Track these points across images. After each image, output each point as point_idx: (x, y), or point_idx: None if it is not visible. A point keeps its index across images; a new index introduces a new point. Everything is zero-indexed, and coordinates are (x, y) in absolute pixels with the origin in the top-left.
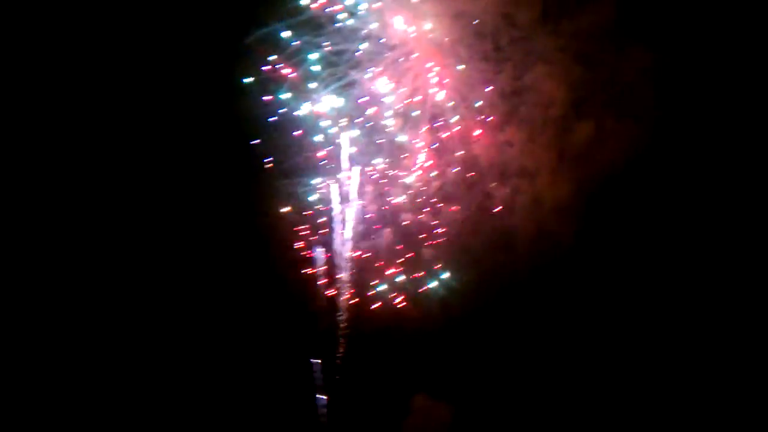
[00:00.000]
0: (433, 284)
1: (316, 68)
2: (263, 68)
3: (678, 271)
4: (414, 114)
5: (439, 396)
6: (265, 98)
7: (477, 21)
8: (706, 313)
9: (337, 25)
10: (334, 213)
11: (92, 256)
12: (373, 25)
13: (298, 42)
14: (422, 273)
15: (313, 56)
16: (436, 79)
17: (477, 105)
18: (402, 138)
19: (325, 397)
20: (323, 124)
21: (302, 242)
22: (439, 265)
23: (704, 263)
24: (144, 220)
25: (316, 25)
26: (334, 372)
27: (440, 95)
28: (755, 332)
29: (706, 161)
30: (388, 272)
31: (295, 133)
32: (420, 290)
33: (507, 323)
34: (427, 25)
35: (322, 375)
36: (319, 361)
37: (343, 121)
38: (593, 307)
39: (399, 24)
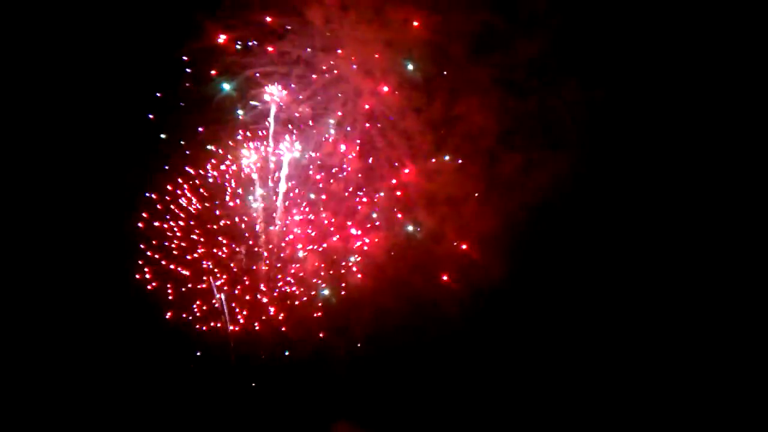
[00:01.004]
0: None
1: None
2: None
3: (612, 300)
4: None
5: (362, 424)
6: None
7: (408, 50)
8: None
9: (267, 48)
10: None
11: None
12: (304, 51)
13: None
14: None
15: (241, 79)
16: (365, 106)
17: (406, 133)
18: (329, 162)
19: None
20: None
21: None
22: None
23: (637, 294)
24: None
25: (243, 48)
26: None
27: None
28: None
29: (635, 191)
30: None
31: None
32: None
33: (432, 352)
34: (357, 52)
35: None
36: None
37: (269, 146)
38: (522, 337)
39: (329, 49)
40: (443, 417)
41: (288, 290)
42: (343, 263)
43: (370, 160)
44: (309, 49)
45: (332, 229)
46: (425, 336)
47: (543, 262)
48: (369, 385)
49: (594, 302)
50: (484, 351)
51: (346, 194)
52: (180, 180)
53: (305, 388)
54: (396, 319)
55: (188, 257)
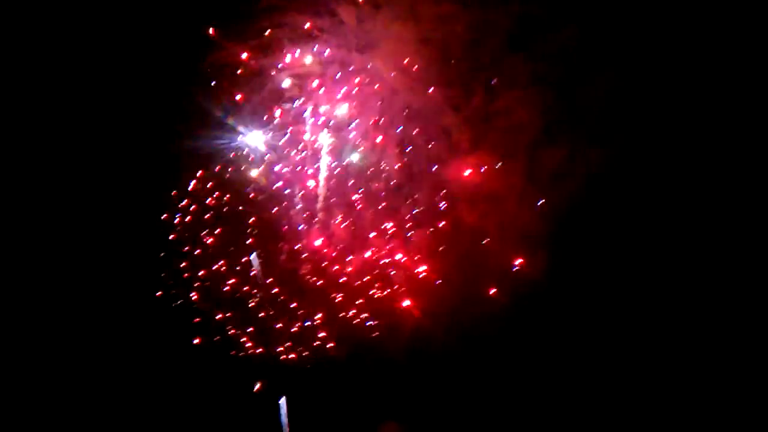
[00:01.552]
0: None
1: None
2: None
3: (659, 302)
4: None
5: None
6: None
7: (443, 47)
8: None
9: (298, 51)
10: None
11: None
12: (338, 51)
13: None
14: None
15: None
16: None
17: (444, 131)
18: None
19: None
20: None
21: None
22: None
23: (688, 295)
24: None
25: (275, 51)
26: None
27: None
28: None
29: (682, 185)
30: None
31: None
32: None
33: (478, 355)
34: (393, 51)
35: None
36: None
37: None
38: (565, 341)
39: (364, 49)
40: (489, 419)
41: (331, 293)
42: (387, 263)
43: (409, 160)
44: (343, 49)
45: (374, 230)
46: (471, 337)
47: (590, 261)
48: (416, 386)
49: (646, 302)
50: (531, 353)
51: (387, 194)
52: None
53: (349, 389)
54: (441, 320)
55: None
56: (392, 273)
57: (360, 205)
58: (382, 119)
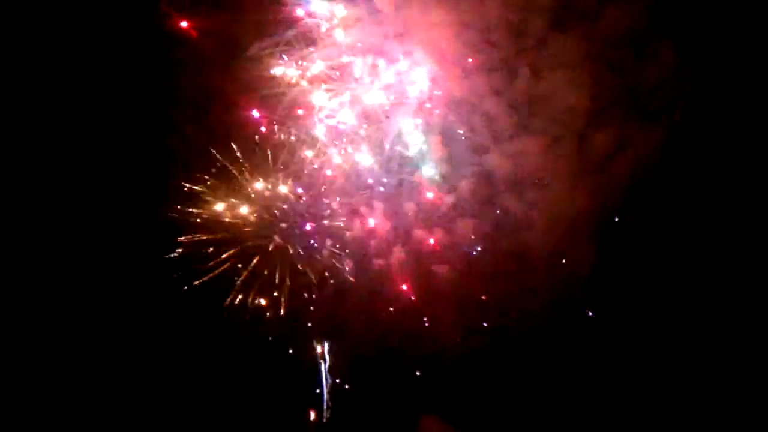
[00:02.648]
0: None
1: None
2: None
3: (716, 294)
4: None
5: (451, 420)
6: None
7: (485, 30)
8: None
9: (332, 39)
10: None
11: None
12: (375, 39)
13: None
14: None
15: (308, 71)
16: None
17: (488, 116)
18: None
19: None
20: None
21: None
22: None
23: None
24: None
25: (308, 39)
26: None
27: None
28: None
29: (739, 167)
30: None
31: None
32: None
33: (524, 349)
34: (431, 37)
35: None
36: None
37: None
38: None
39: (402, 36)
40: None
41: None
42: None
43: (452, 148)
44: (381, 38)
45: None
46: (514, 329)
47: (638, 250)
48: (455, 379)
49: (695, 294)
50: (575, 347)
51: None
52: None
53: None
54: (484, 312)
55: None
56: (434, 266)
57: (400, 196)
58: (423, 107)
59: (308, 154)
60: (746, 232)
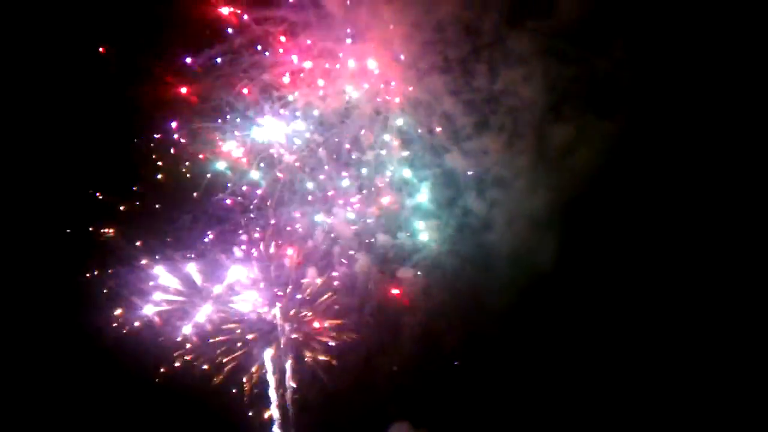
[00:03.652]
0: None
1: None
2: None
3: (672, 285)
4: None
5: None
6: None
7: (438, 29)
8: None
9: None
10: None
11: None
12: (327, 43)
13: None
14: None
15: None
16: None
17: (446, 116)
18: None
19: None
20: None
21: None
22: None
23: (702, 276)
24: None
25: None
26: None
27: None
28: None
29: (694, 158)
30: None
31: None
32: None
33: (492, 351)
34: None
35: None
36: None
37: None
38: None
39: (353, 38)
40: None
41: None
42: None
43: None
44: (332, 42)
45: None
46: (479, 329)
47: (599, 242)
48: (422, 384)
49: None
50: (542, 342)
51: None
52: None
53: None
54: (450, 313)
55: None
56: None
57: (362, 202)
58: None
59: None
60: (706, 222)
